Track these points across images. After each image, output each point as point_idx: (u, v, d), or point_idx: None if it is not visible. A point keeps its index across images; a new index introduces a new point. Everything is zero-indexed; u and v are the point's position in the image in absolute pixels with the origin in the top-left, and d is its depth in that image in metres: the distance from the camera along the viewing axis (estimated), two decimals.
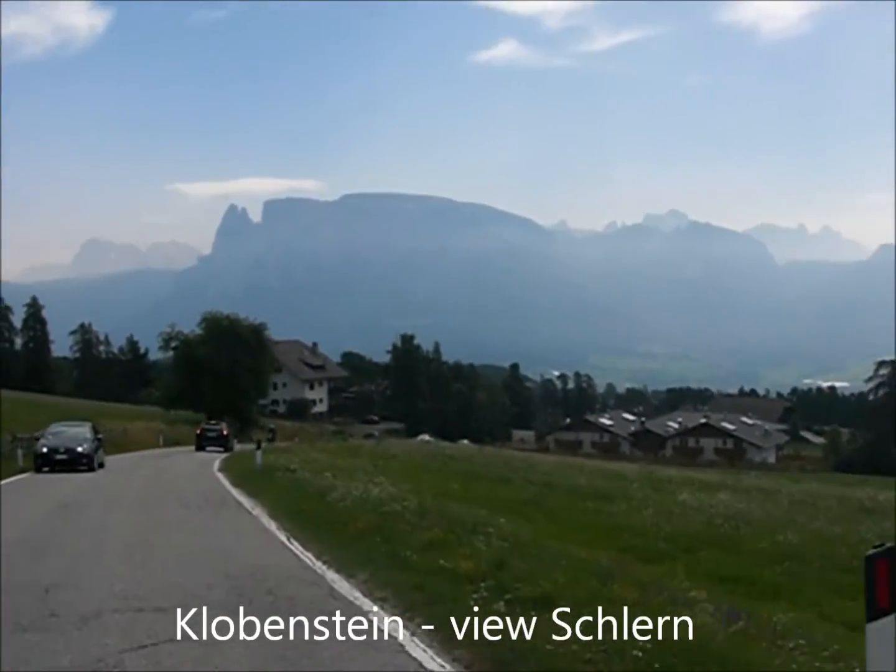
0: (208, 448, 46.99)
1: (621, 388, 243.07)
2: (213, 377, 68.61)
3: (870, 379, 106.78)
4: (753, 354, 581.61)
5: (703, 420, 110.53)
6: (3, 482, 23.59)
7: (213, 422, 53.79)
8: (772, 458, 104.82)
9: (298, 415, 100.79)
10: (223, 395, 68.70)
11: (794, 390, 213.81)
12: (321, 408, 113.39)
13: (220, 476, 27.29)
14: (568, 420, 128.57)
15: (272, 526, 14.77)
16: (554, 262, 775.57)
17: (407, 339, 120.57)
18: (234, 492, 21.34)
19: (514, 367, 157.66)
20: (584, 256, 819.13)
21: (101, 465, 30.22)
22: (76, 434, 29.86)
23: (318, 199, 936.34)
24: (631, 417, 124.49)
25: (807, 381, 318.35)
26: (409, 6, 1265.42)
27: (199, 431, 50.81)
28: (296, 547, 12.40)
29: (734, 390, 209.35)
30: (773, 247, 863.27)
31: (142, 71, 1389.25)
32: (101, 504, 18.78)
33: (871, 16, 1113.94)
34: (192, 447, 49.72)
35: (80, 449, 28.64)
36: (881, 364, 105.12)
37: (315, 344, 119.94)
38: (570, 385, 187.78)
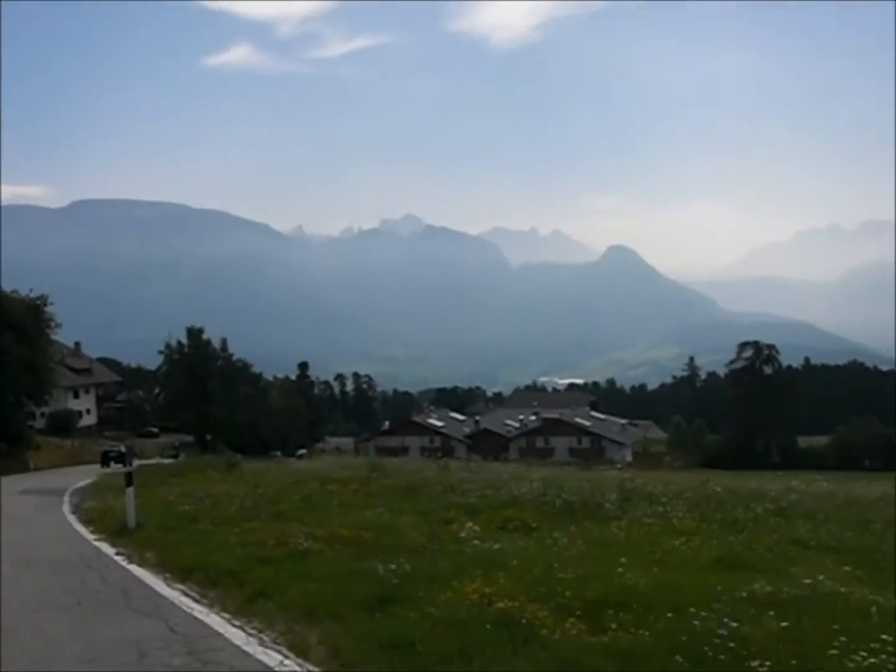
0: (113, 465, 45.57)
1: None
2: None
3: (732, 362, 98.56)
4: (492, 354, 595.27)
5: (556, 416, 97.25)
6: None
7: (112, 444, 55.10)
8: (629, 457, 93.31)
9: (62, 430, 75.97)
10: None
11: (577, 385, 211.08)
12: (89, 420, 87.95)
13: None
14: (388, 423, 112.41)
15: None
16: (291, 268, 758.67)
17: (195, 334, 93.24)
18: None
19: (303, 366, 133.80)
20: (322, 262, 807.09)
21: None
22: None
23: (45, 206, 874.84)
24: (461, 417, 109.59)
25: (543, 378, 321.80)
26: (140, 6, 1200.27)
27: (102, 452, 50.27)
28: None
29: (477, 389, 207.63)
30: (507, 249, 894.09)
31: None
32: None
33: (594, 27, 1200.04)
34: None
35: None
36: (743, 346, 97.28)
37: (77, 344, 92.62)
38: (349, 387, 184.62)
